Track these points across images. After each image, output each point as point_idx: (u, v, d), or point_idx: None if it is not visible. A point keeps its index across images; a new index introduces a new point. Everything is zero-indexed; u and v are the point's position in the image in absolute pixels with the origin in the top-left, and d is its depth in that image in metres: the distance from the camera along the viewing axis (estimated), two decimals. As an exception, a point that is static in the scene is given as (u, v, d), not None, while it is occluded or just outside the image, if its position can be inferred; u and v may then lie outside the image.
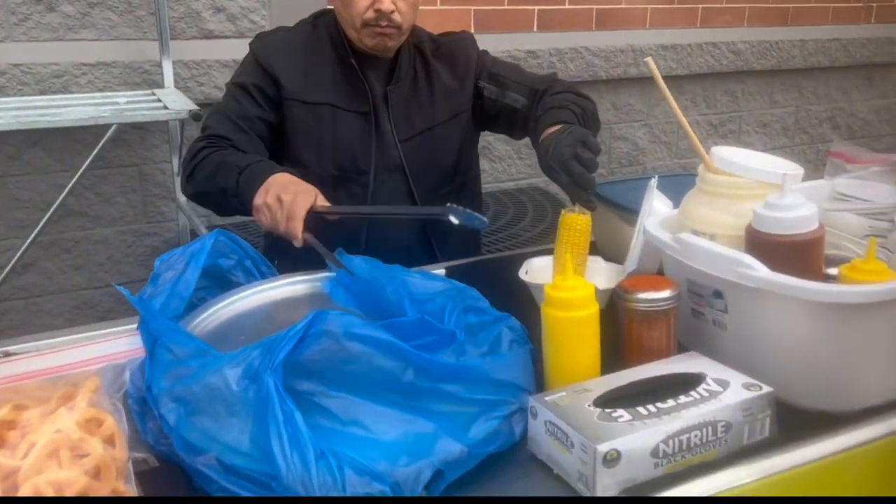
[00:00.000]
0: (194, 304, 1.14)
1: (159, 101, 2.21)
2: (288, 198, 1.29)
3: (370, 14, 1.50)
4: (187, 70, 2.44)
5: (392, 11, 1.49)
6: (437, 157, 1.65)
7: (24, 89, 2.27)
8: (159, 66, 2.36)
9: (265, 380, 0.85)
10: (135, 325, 1.27)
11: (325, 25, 1.63)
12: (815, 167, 3.96)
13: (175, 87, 2.37)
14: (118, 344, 0.86)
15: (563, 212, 1.31)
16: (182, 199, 2.47)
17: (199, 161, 1.48)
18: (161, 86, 2.38)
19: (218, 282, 1.20)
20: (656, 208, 1.19)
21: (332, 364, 0.86)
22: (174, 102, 2.15)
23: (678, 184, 1.39)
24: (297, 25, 1.67)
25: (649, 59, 1.11)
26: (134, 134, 2.45)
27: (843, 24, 3.79)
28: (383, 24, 1.50)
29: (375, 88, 1.60)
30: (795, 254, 1.01)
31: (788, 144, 3.84)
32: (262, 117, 1.56)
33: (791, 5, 3.64)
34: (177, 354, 0.92)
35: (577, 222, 1.30)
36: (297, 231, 1.28)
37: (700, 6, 3.39)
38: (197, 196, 1.53)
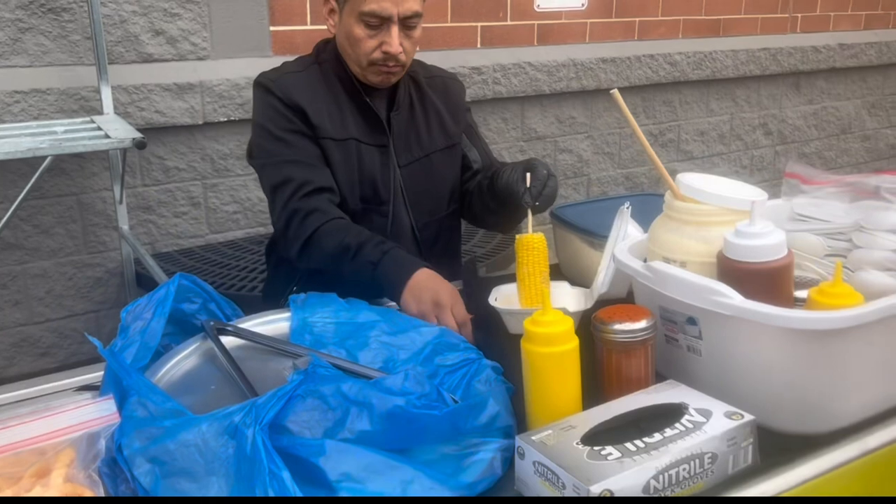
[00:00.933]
0: (160, 352, 1.10)
1: (99, 128, 2.12)
2: (443, 301, 1.31)
3: (377, 54, 1.51)
4: (127, 95, 2.36)
5: (400, 53, 1.50)
6: (434, 183, 1.67)
7: (-48, 119, 2.17)
8: (97, 91, 2.27)
9: (248, 436, 0.83)
10: (93, 374, 1.23)
11: (328, 61, 1.61)
12: (751, 172, 4.09)
13: (115, 112, 2.29)
14: (88, 411, 0.81)
15: (517, 236, 1.35)
16: (125, 227, 2.39)
17: (311, 234, 1.47)
18: (100, 112, 2.29)
19: (182, 327, 1.16)
20: (631, 234, 1.19)
21: (319, 421, 0.84)
22: (116, 130, 2.07)
23: (640, 203, 1.41)
24: (302, 63, 1.64)
25: (615, 92, 1.12)
26: (72, 162, 2.36)
27: (771, 34, 3.92)
28: (390, 64, 1.52)
29: (382, 115, 1.60)
30: (767, 280, 1.02)
31: (725, 151, 3.94)
32: (320, 153, 1.56)
33: (722, 17, 3.74)
34: (150, 412, 0.88)
35: (534, 241, 1.34)
36: (465, 313, 1.30)
37: (637, 19, 3.46)
38: (313, 269, 1.52)
